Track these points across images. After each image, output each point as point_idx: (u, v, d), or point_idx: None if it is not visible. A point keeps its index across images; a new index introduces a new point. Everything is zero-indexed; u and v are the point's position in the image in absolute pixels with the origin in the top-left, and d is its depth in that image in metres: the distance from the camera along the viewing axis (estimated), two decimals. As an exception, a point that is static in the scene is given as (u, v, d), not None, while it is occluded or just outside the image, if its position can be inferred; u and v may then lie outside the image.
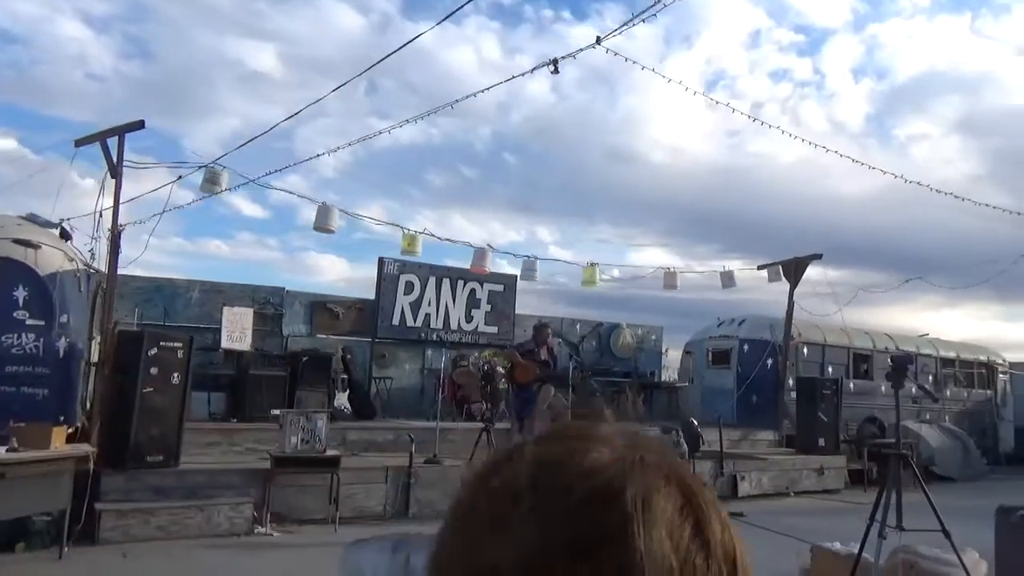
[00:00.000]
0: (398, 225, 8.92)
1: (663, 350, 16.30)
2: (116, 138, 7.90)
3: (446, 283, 13.12)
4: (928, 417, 15.21)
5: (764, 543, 6.43)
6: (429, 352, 13.09)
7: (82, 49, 25.16)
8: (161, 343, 7.05)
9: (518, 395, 9.92)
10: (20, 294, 6.89)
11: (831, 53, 37.25)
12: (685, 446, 8.30)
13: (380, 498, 7.95)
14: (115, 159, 7.89)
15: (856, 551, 4.37)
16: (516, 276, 13.37)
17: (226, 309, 10.68)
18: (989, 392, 16.75)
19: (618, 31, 5.16)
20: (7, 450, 5.52)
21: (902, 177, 9.45)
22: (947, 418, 15.49)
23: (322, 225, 8.39)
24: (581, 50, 5.26)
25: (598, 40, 5.24)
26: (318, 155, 8.19)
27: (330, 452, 7.38)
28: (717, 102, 8.05)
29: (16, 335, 6.83)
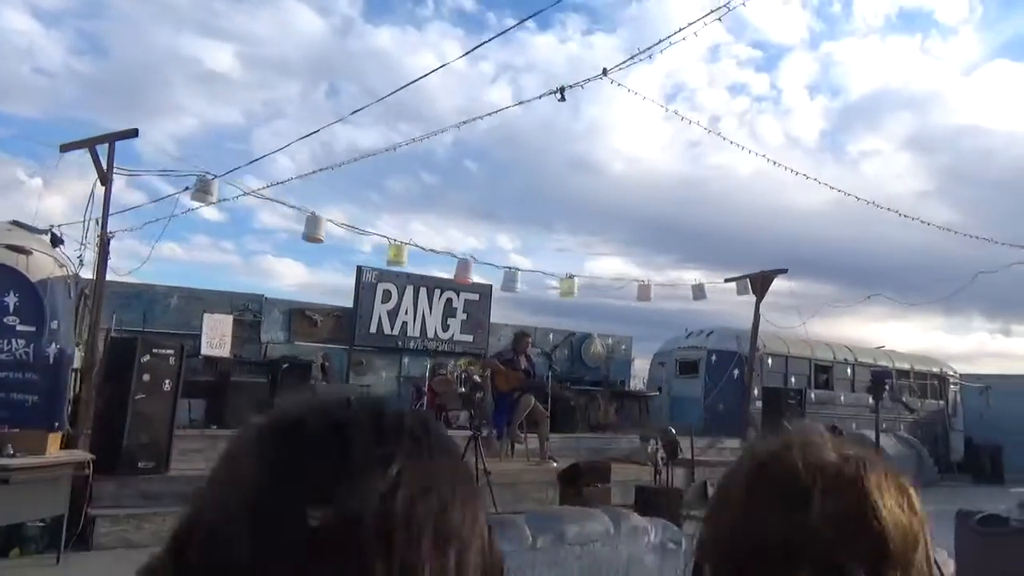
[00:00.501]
0: (384, 236, 9.08)
1: (630, 359, 16.68)
2: (106, 145, 7.97)
3: (423, 292, 13.29)
4: (884, 426, 15.84)
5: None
6: (406, 360, 13.24)
7: (31, 43, 24.55)
8: (154, 350, 7.11)
9: (499, 403, 10.15)
10: (11, 300, 6.89)
11: (787, 69, 38.42)
12: (663, 453, 8.60)
13: (366, 504, 8.08)
14: (105, 166, 7.95)
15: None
16: (491, 286, 13.62)
17: (206, 315, 10.70)
18: (941, 403, 17.49)
19: (624, 65, 5.46)
20: (5, 456, 5.56)
21: (852, 195, 9.93)
22: (902, 427, 16.15)
23: (311, 235, 8.52)
24: (589, 80, 5.55)
25: (604, 72, 5.52)
26: (335, 166, 8.30)
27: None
28: (733, 142, 8.29)
29: (6, 341, 6.83)
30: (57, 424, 6.51)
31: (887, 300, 15.81)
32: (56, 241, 7.86)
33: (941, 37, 37.39)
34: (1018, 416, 16.54)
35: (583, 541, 3.12)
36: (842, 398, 15.56)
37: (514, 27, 7.01)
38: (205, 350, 10.41)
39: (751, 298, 14.02)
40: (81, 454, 6.07)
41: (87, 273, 7.99)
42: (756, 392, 13.92)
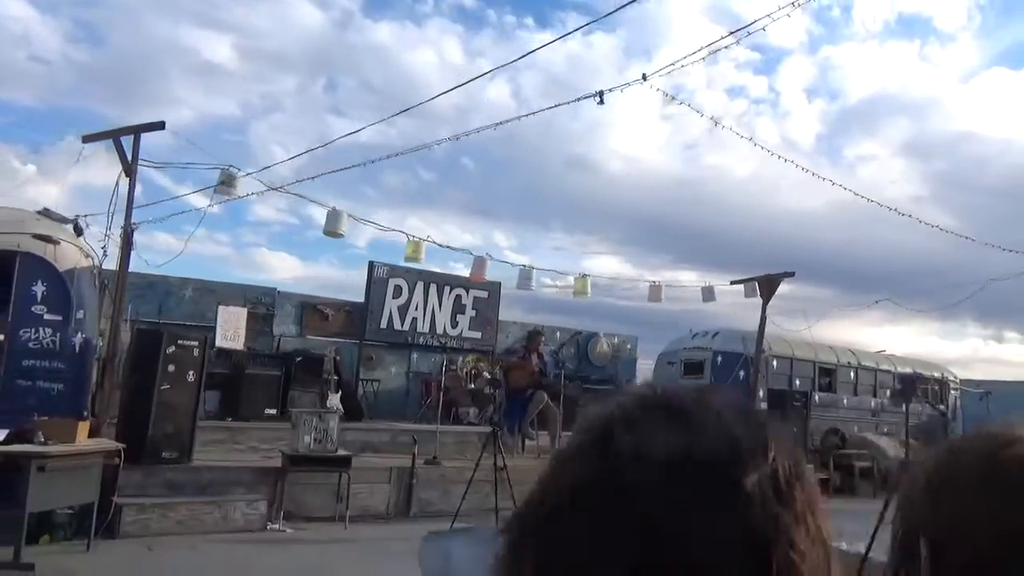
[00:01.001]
0: (402, 231, 9.13)
1: (635, 358, 16.79)
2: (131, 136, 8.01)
3: (433, 288, 13.36)
4: (886, 430, 16.00)
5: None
6: (415, 356, 13.31)
7: (26, 29, 24.40)
8: (179, 342, 7.17)
9: (512, 400, 10.23)
10: (39, 289, 6.95)
11: (786, 73, 38.56)
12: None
13: (384, 497, 8.18)
14: (129, 157, 7.99)
15: (862, 550, 4.78)
16: (500, 283, 13.70)
17: (221, 308, 10.76)
18: (942, 407, 17.64)
19: (664, 70, 5.57)
20: (37, 443, 5.63)
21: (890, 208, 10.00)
22: (902, 431, 16.30)
23: (332, 230, 8.57)
24: (628, 85, 5.64)
25: (644, 77, 5.62)
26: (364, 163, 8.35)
27: (341, 452, 7.58)
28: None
29: (34, 329, 6.90)
30: (86, 413, 6.56)
31: (884, 304, 16.02)
32: (79, 230, 7.90)
33: (939, 44, 37.58)
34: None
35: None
36: (844, 401, 15.69)
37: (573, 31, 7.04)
38: (220, 342, 10.46)
39: (747, 300, 14.16)
40: (111, 443, 6.12)
41: (109, 264, 8.04)
42: (761, 394, 14.03)
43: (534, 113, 6.85)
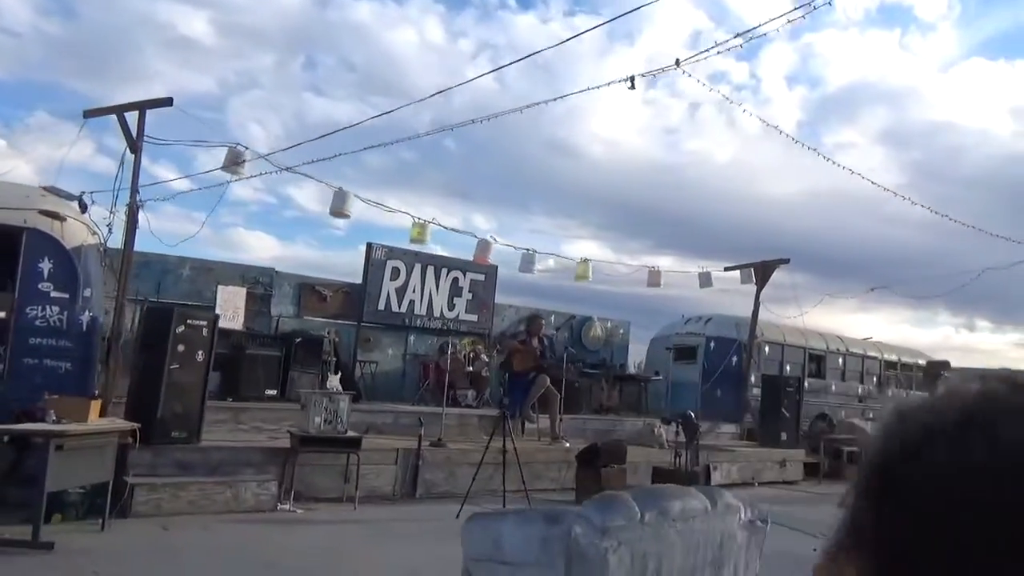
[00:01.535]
0: (408, 213, 9.10)
1: (627, 343, 16.89)
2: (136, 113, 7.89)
3: (431, 270, 13.33)
4: (872, 415, 16.28)
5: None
6: (412, 338, 13.30)
7: None
8: (188, 321, 7.11)
9: (514, 383, 10.28)
10: (45, 266, 6.85)
11: (768, 59, 38.71)
12: (683, 436, 8.80)
13: (390, 479, 8.19)
14: (135, 134, 7.87)
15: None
16: (496, 266, 13.70)
17: (220, 288, 10.67)
18: (925, 394, 17.97)
19: (696, 57, 5.56)
20: (49, 422, 5.58)
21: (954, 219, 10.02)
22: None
23: (338, 210, 8.53)
24: (663, 70, 5.63)
25: (677, 62, 5.61)
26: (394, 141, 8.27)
27: (351, 434, 7.58)
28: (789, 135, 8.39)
29: (41, 307, 6.81)
30: (97, 392, 6.50)
31: (854, 291, 16.28)
32: (83, 207, 7.78)
33: (920, 33, 37.91)
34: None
35: (684, 517, 3.25)
36: (833, 387, 15.93)
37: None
38: (219, 322, 10.36)
39: (729, 286, 14.30)
40: (125, 423, 6.08)
41: (113, 243, 7.93)
42: (753, 379, 14.21)
43: (563, 97, 6.82)
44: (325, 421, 7.32)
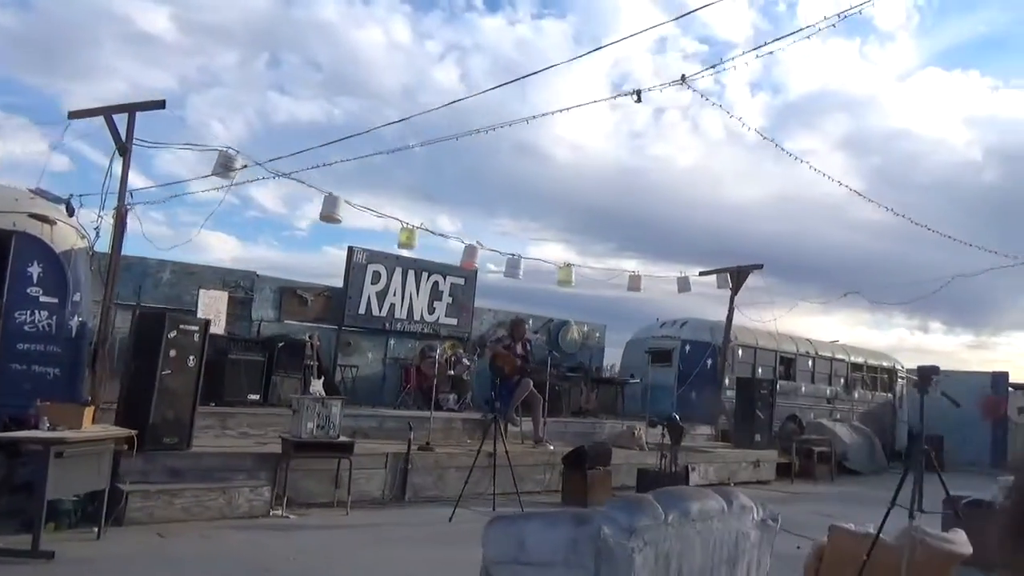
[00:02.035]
0: (396, 219, 9.13)
1: (603, 346, 17.06)
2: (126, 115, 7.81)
3: (411, 274, 13.35)
4: (839, 416, 16.73)
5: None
6: (392, 341, 13.30)
7: None
8: (180, 326, 7.06)
9: (501, 387, 10.35)
10: (35, 270, 6.77)
11: (732, 65, 39.36)
12: (668, 438, 8.97)
13: (380, 483, 8.23)
14: (123, 136, 7.79)
15: (871, 530, 5.07)
16: (476, 270, 13.77)
17: (202, 291, 10.58)
18: (889, 395, 18.51)
19: (702, 73, 5.71)
20: (43, 429, 5.51)
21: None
22: (855, 417, 17.06)
23: (328, 214, 8.53)
24: (668, 84, 5.77)
25: (683, 78, 5.76)
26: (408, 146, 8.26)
27: (343, 438, 7.60)
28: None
29: (30, 312, 6.73)
30: (90, 399, 6.43)
31: (810, 295, 16.73)
32: (71, 210, 7.68)
33: (879, 43, 38.94)
34: (963, 411, 17.60)
35: (703, 517, 3.39)
36: (803, 389, 16.32)
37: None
38: (202, 326, 10.28)
39: (698, 290, 14.57)
40: (121, 430, 6.03)
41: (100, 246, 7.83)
42: (727, 382, 14.50)
43: (567, 109, 6.94)
44: (318, 426, 7.34)
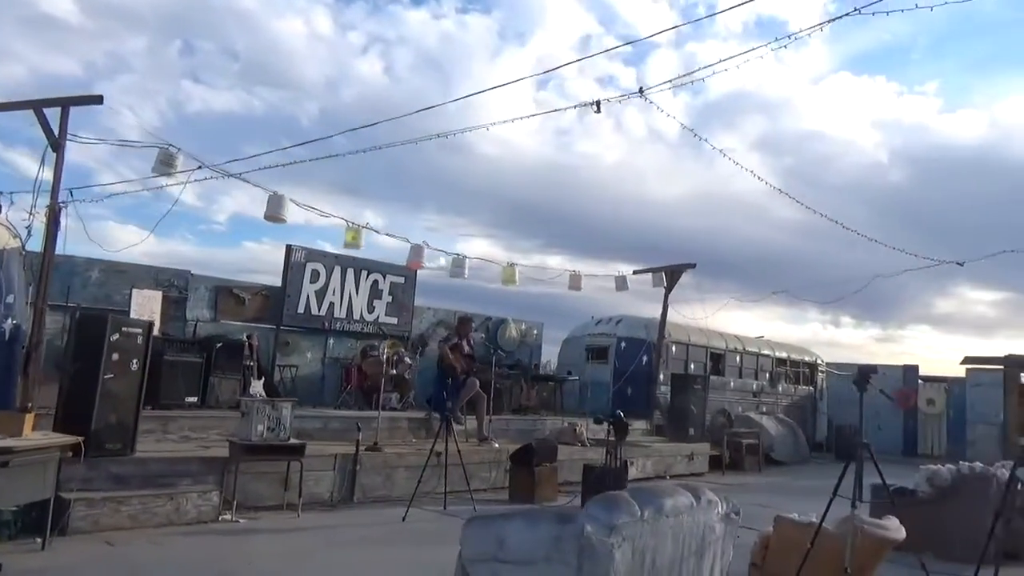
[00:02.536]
0: (341, 218, 9.07)
1: (540, 344, 17.30)
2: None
3: (350, 273, 13.23)
4: (765, 409, 17.45)
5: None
6: (331, 341, 13.16)
7: None
8: (123, 328, 6.84)
9: (445, 386, 10.38)
10: (-35, 271, 6.43)
11: (654, 65, 40.60)
12: (613, 435, 9.19)
13: (329, 485, 8.17)
14: (56, 132, 7.48)
15: (813, 520, 5.39)
16: (416, 270, 13.75)
17: (135, 291, 10.24)
18: (811, 388, 19.42)
19: (660, 86, 5.88)
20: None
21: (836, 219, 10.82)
22: (779, 410, 17.84)
23: (273, 214, 8.39)
24: (627, 96, 5.92)
25: (641, 91, 5.92)
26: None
27: (293, 441, 7.51)
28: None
29: (-40, 315, 6.39)
30: (31, 405, 6.16)
31: (730, 290, 17.44)
32: (-1, 208, 7.34)
33: (794, 47, 40.59)
34: (877, 402, 18.62)
35: (675, 513, 3.57)
36: (732, 384, 16.96)
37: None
38: (135, 327, 9.95)
39: (616, 287, 14.94)
40: (68, 437, 5.80)
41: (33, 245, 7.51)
42: (661, 377, 14.95)
43: (533, 115, 7.02)
44: (268, 429, 7.24)
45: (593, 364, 15.69)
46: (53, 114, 7.46)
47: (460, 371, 9.99)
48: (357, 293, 13.33)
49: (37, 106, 7.57)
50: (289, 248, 12.48)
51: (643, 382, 14.96)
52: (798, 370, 19.22)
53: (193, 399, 9.92)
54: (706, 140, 8.25)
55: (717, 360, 16.87)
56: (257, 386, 10.80)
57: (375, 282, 13.58)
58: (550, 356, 17.54)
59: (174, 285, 11.25)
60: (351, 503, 8.26)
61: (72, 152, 7.14)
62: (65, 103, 7.48)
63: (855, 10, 5.50)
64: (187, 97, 32.54)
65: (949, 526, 7.11)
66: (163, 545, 5.94)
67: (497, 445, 10.21)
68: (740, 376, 17.34)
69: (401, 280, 13.93)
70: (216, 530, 6.58)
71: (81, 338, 6.70)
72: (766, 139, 34.15)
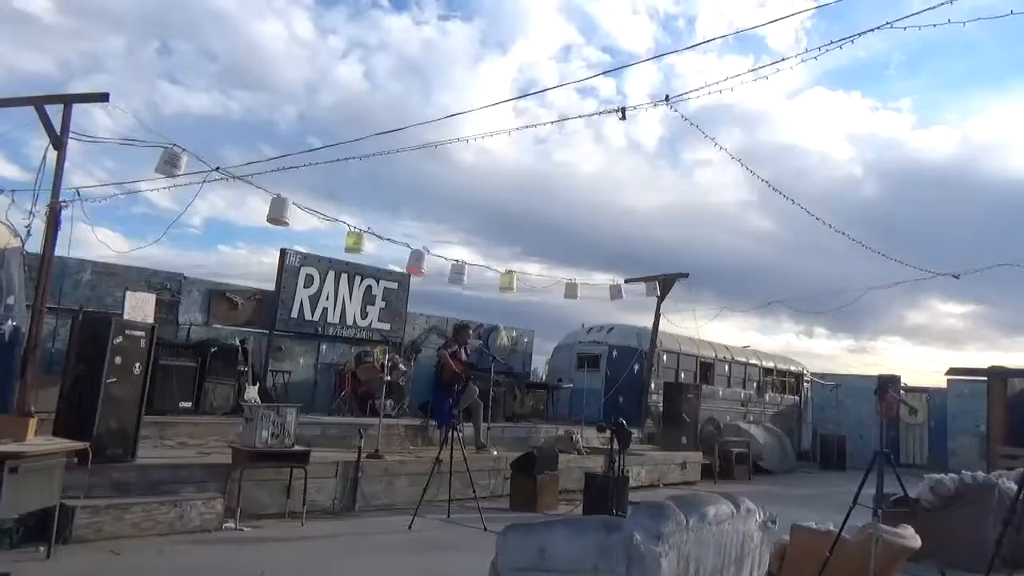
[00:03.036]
0: (344, 222, 8.98)
1: (531, 352, 17.27)
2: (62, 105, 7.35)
3: (344, 278, 13.12)
4: (752, 418, 17.57)
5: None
6: (324, 347, 13.02)
7: None
8: (126, 331, 6.71)
9: (440, 393, 10.32)
10: (-35, 271, 6.27)
11: (633, 76, 41.08)
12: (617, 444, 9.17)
13: (330, 492, 8.05)
14: (58, 129, 7.34)
15: (831, 529, 5.40)
16: (410, 275, 13.66)
17: (129, 293, 10.00)
18: (796, 398, 19.58)
19: (686, 95, 5.89)
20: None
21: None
22: (766, 419, 17.96)
23: (276, 217, 8.28)
24: (655, 104, 5.91)
25: (667, 98, 5.93)
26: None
27: (298, 447, 7.40)
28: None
29: (-41, 316, 6.22)
30: (32, 409, 6.01)
31: (708, 299, 17.58)
32: (-4, 207, 7.17)
33: (771, 61, 41.31)
34: (860, 412, 18.87)
35: (717, 521, 3.55)
36: (720, 393, 17.04)
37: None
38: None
39: (598, 294, 14.99)
40: (74, 442, 5.65)
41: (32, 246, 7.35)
42: (653, 386, 14.97)
43: (556, 121, 6.97)
44: (272, 435, 7.12)
45: (585, 372, 15.68)
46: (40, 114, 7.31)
47: (444, 379, 9.94)
48: (351, 298, 13.21)
49: (38, 103, 7.43)
50: (283, 252, 12.35)
51: (635, 390, 14.98)
52: (784, 380, 19.38)
53: (187, 404, 9.76)
54: (742, 162, 8.20)
55: (706, 369, 16.95)
56: (252, 392, 10.66)
57: (369, 287, 13.48)
58: (536, 364, 17.54)
59: (167, 288, 11.07)
60: (353, 511, 8.15)
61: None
62: (68, 100, 7.35)
63: (873, 29, 5.56)
64: (164, 98, 32.17)
65: (953, 535, 7.16)
66: (170, 555, 5.80)
67: (496, 453, 10.15)
68: (729, 385, 17.44)
69: (394, 286, 13.84)
70: (222, 539, 6.44)
71: (84, 341, 6.55)
72: (744, 151, 34.56)
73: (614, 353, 15.66)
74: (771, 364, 18.96)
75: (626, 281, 15.40)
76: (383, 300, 13.67)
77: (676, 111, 6.16)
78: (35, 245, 7.72)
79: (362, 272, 13.34)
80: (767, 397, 18.44)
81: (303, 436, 9.26)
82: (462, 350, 10.51)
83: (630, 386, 15.05)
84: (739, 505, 3.73)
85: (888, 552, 5.14)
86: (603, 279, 13.96)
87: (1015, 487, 6.94)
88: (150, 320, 10.04)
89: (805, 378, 20.00)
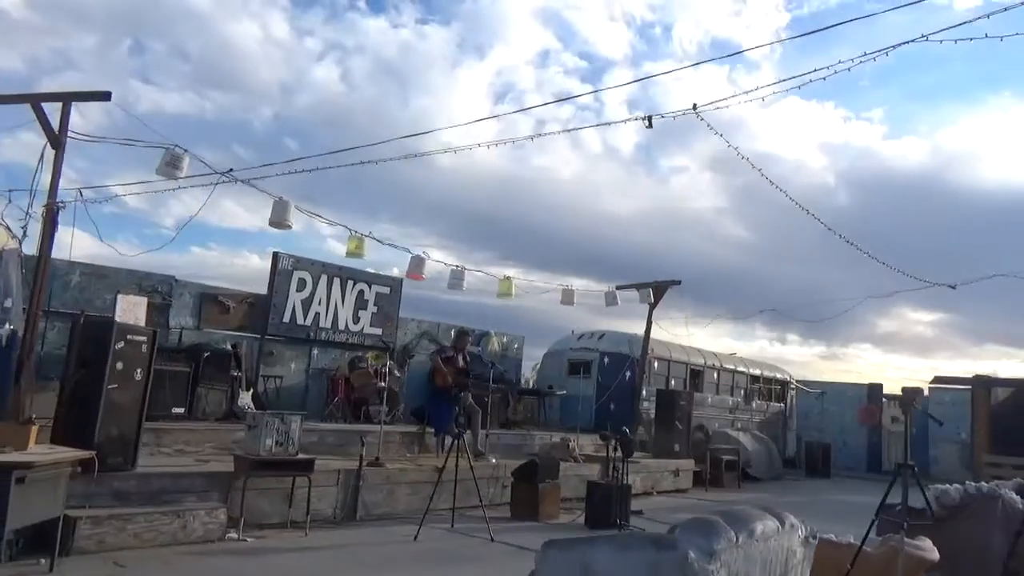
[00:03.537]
0: (345, 226, 8.84)
1: (522, 358, 17.19)
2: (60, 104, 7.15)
3: (336, 282, 12.94)
4: (740, 425, 17.64)
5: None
6: (315, 351, 12.83)
7: None
8: (128, 336, 6.52)
9: (439, 400, 10.21)
10: (-39, 273, 6.05)
11: (611, 83, 41.37)
12: (619, 452, 9.13)
13: (331, 501, 7.91)
14: (56, 128, 7.14)
15: (852, 540, 5.38)
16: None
17: (121, 296, 9.82)
18: (782, 405, 19.71)
19: (715, 104, 5.85)
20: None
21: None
22: (753, 426, 18.05)
23: (278, 221, 8.12)
24: (683, 113, 5.86)
25: (694, 107, 5.89)
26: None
27: (302, 455, 7.25)
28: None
29: (-46, 319, 6.00)
30: (34, 416, 5.79)
31: (683, 306, 17.66)
32: (-8, 207, 6.95)
33: (746, 70, 41.94)
34: (843, 419, 19.06)
35: (764, 538, 3.50)
36: (709, 400, 17.09)
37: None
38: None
39: (585, 300, 14.96)
40: (79, 451, 5.47)
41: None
42: (644, 393, 14.96)
43: (577, 129, 6.90)
44: (276, 443, 6.96)
45: (576, 378, 15.63)
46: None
47: (438, 385, 9.86)
48: (343, 303, 13.04)
49: (35, 100, 7.22)
50: (276, 255, 12.15)
51: (626, 397, 14.95)
52: (770, 387, 19.50)
53: (180, 410, 9.56)
54: (759, 169, 8.18)
55: (695, 376, 16.99)
56: (246, 398, 10.48)
57: (361, 292, 13.31)
58: (525, 370, 17.45)
59: (158, 291, 10.83)
60: (354, 520, 8.01)
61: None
62: (67, 99, 7.15)
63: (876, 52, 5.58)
64: (136, 97, 31.66)
65: (958, 546, 7.19)
66: (176, 567, 5.64)
67: (495, 460, 10.05)
68: (717, 392, 17.50)
69: (387, 290, 13.69)
70: (226, 550, 6.27)
71: (84, 346, 6.35)
72: (719, 159, 34.87)
73: (606, 360, 15.63)
74: (758, 371, 19.07)
75: (617, 287, 15.40)
76: (375, 305, 13.51)
77: (702, 119, 6.14)
78: (28, 247, 7.52)
79: (354, 276, 13.18)
80: (754, 404, 18.54)
81: (301, 444, 9.12)
82: (459, 357, 10.41)
83: (622, 393, 15.02)
84: (784, 521, 3.67)
85: (911, 564, 5.14)
86: (579, 284, 13.85)
87: (1018, 498, 7.00)
88: (142, 323, 9.88)
89: (791, 386, 20.14)
